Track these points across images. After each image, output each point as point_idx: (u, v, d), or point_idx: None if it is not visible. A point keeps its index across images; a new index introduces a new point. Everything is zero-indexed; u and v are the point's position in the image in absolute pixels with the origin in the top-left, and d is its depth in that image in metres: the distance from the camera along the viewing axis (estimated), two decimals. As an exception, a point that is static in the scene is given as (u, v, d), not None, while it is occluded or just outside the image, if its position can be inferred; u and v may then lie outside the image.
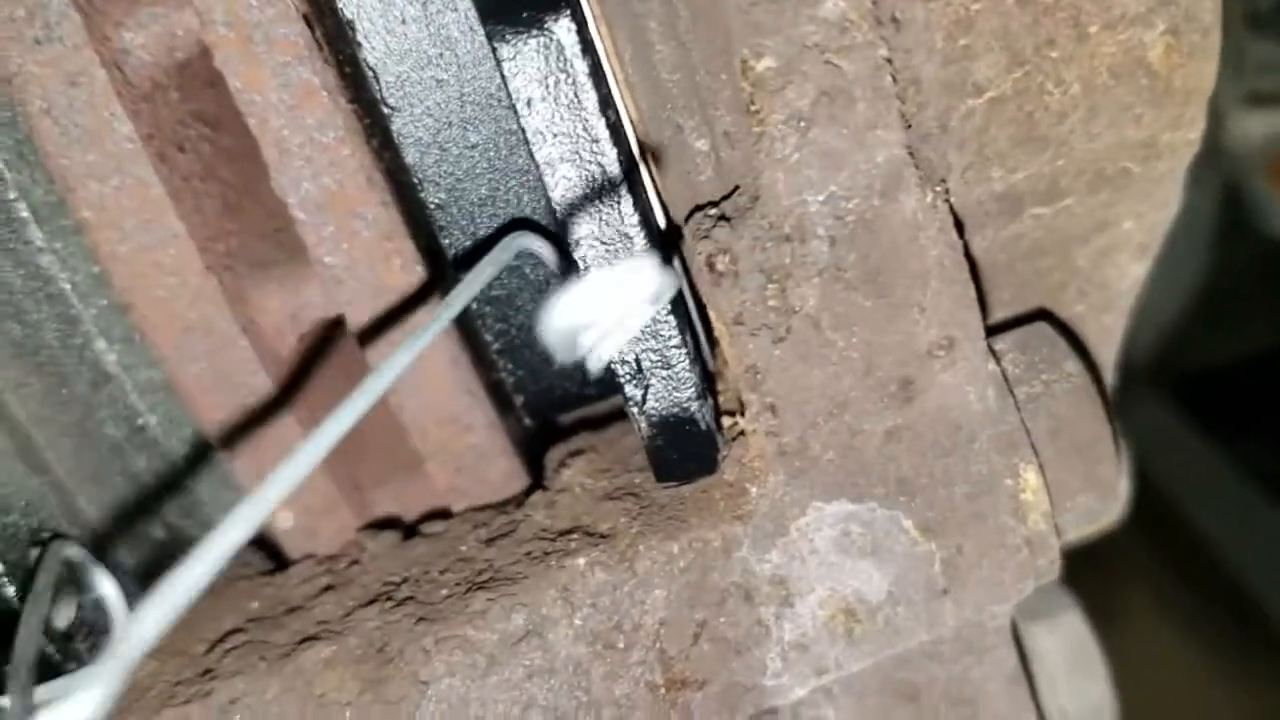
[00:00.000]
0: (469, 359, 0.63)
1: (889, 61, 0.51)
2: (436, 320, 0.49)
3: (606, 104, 0.53)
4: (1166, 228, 0.65)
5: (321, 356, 0.64)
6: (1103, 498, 0.60)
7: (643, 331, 0.55)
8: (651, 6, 0.52)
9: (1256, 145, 1.63)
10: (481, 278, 0.52)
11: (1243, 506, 1.84)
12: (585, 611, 0.55)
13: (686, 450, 0.58)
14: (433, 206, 0.62)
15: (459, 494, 0.65)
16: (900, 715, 0.60)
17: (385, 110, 0.60)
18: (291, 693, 0.55)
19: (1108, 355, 0.69)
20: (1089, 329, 0.68)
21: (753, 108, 0.51)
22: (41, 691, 0.54)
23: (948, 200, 0.53)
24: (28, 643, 0.49)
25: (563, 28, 0.52)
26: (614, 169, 0.53)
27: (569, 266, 0.55)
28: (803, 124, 0.51)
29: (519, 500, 0.64)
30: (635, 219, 0.54)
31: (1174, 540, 1.87)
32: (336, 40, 0.58)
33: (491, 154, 0.61)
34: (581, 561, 0.56)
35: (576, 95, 0.53)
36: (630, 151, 0.55)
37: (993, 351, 0.57)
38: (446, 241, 0.63)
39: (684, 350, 0.55)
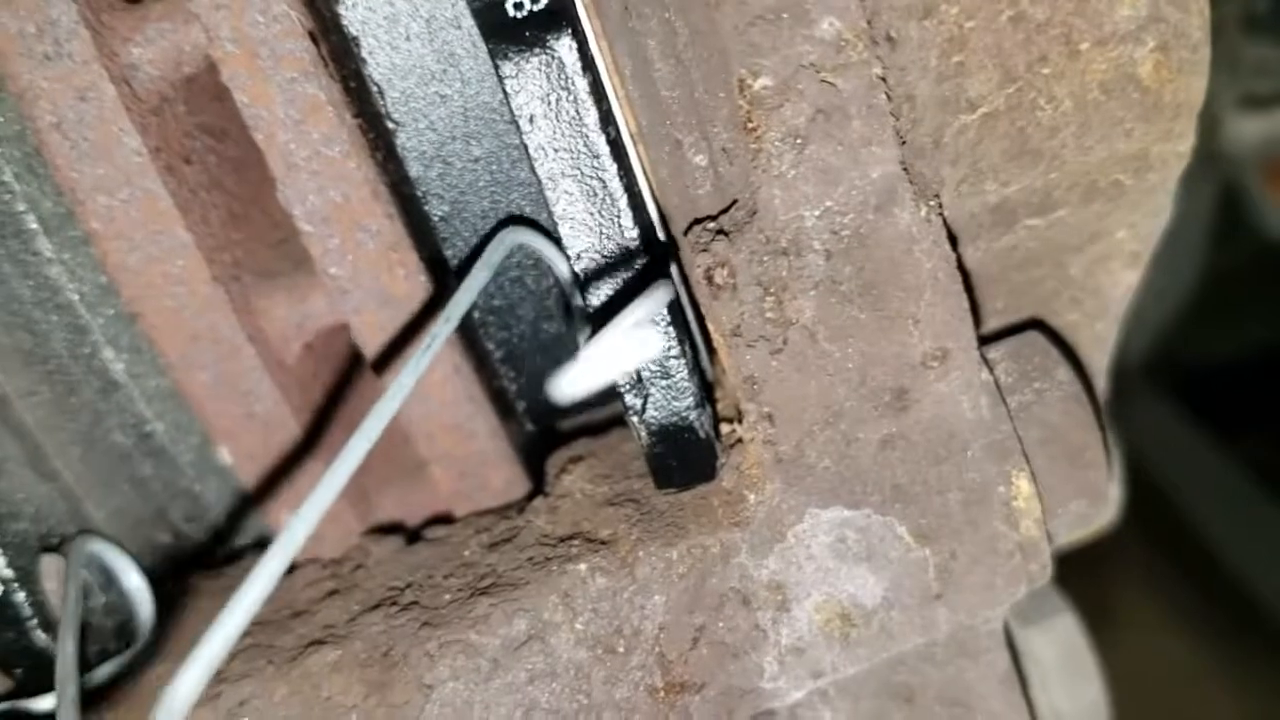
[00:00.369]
0: (471, 367, 0.64)
1: (884, 79, 0.52)
2: (440, 330, 0.50)
3: (607, 120, 0.54)
4: (1159, 236, 0.66)
5: (326, 365, 0.65)
6: (1094, 503, 0.61)
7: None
8: (651, 26, 0.53)
9: (1252, 147, 1.64)
10: (477, 281, 0.53)
11: (1241, 504, 1.84)
12: (586, 616, 0.57)
13: (685, 458, 0.59)
14: (436, 219, 0.63)
15: (462, 499, 0.66)
16: (895, 717, 0.61)
17: (390, 125, 0.61)
18: (299, 696, 0.56)
19: (1101, 362, 0.70)
20: (1082, 336, 0.69)
21: (750, 125, 0.52)
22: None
23: (941, 214, 0.54)
24: (68, 661, 0.50)
25: (564, 46, 0.53)
26: (614, 184, 0.55)
27: (564, 256, 0.56)
28: (799, 141, 0.52)
29: (521, 506, 0.65)
30: (635, 233, 0.55)
31: (1172, 537, 1.87)
32: (341, 56, 0.59)
33: (494, 168, 0.62)
34: (583, 567, 0.57)
35: (578, 112, 0.54)
36: (630, 167, 0.56)
37: (986, 360, 0.58)
38: (449, 252, 0.64)
39: (682, 360, 0.57)
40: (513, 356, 0.67)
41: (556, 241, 0.57)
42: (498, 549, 0.61)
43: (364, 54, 0.59)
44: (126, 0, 0.58)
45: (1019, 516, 0.58)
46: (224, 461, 0.65)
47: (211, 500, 0.67)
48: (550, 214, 0.55)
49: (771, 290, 0.54)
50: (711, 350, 0.61)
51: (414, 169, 0.62)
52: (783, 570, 0.57)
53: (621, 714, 0.57)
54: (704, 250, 0.54)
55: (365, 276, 0.60)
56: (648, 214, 0.57)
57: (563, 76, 0.53)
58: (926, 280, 0.54)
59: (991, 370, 0.59)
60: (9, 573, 0.56)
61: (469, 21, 0.59)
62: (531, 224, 0.60)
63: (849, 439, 0.56)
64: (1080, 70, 0.56)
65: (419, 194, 0.62)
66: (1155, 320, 1.78)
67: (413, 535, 0.66)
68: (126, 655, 0.60)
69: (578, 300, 0.57)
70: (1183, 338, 1.86)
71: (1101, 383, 0.69)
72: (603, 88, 0.55)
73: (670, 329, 0.56)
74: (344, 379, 0.66)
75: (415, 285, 0.60)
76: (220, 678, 0.58)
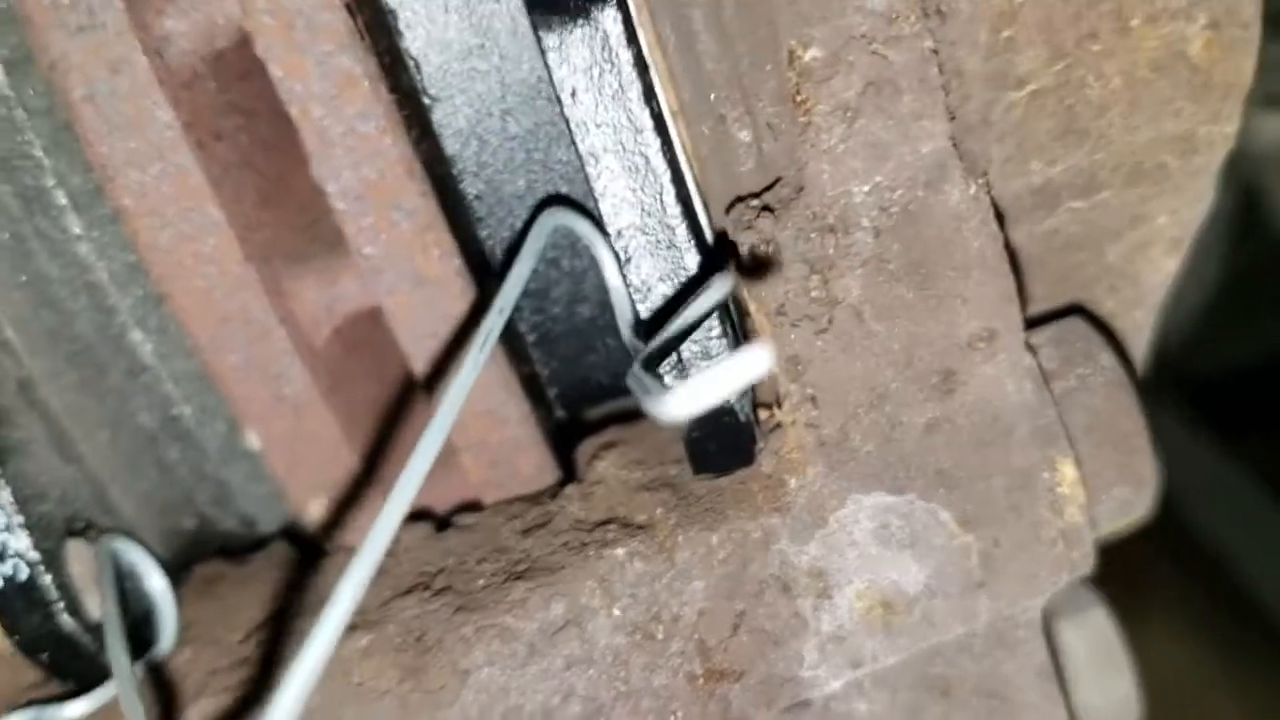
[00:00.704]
0: (505, 352, 0.63)
1: (935, 53, 0.51)
2: (495, 323, 0.50)
3: (650, 95, 0.53)
4: (1200, 223, 0.66)
5: (357, 350, 0.64)
6: (1138, 490, 0.60)
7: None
8: (696, -4, 0.52)
9: (1274, 146, 1.63)
10: (525, 269, 0.52)
11: (1247, 508, 1.83)
12: (624, 602, 0.55)
13: (724, 442, 0.58)
14: (471, 197, 0.62)
15: (491, 487, 0.65)
16: (931, 709, 0.60)
17: (426, 100, 0.60)
18: (330, 681, 0.55)
19: (1137, 351, 0.69)
20: (1120, 325, 0.68)
21: (798, 98, 0.51)
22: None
23: (989, 192, 0.53)
24: (119, 650, 0.49)
25: (608, 17, 0.52)
26: (658, 160, 0.53)
27: (604, 236, 0.55)
28: (849, 114, 0.51)
29: (553, 492, 0.64)
30: (678, 210, 0.54)
31: (1177, 542, 1.86)
32: (377, 30, 0.58)
33: (531, 146, 0.61)
34: (620, 552, 0.56)
35: (621, 85, 0.53)
36: (673, 143, 0.55)
37: (1028, 345, 0.57)
38: (484, 233, 0.63)
39: (724, 341, 0.55)
40: (545, 340, 0.66)
41: (597, 222, 0.56)
42: (532, 534, 0.60)
43: (401, 27, 0.58)
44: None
45: (1063, 503, 0.57)
46: (252, 446, 0.64)
47: (238, 486, 0.66)
48: (590, 191, 0.54)
49: (818, 268, 0.53)
50: (747, 331, 0.60)
51: (450, 146, 0.61)
52: (824, 557, 0.56)
53: (660, 702, 0.55)
54: (748, 227, 0.53)
55: (399, 257, 0.58)
56: (689, 191, 0.56)
57: (606, 48, 0.52)
58: (975, 259, 0.53)
59: (1035, 355, 0.58)
60: (35, 555, 0.54)
61: (509, -7, 0.58)
62: (571, 204, 0.59)
63: (894, 422, 0.55)
64: (1130, 47, 0.55)
65: (454, 172, 0.61)
66: (1172, 323, 1.76)
67: (442, 523, 0.65)
68: (149, 655, 0.58)
69: (618, 283, 0.56)
70: (1198, 341, 1.85)
71: (1137, 372, 0.68)
72: (646, 61, 0.54)
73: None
74: (374, 365, 0.65)
75: (449, 267, 0.59)
76: (249, 663, 0.57)
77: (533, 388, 0.66)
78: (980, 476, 0.56)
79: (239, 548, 0.67)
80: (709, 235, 0.57)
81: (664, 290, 0.55)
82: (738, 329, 0.58)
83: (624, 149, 0.53)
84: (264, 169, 0.62)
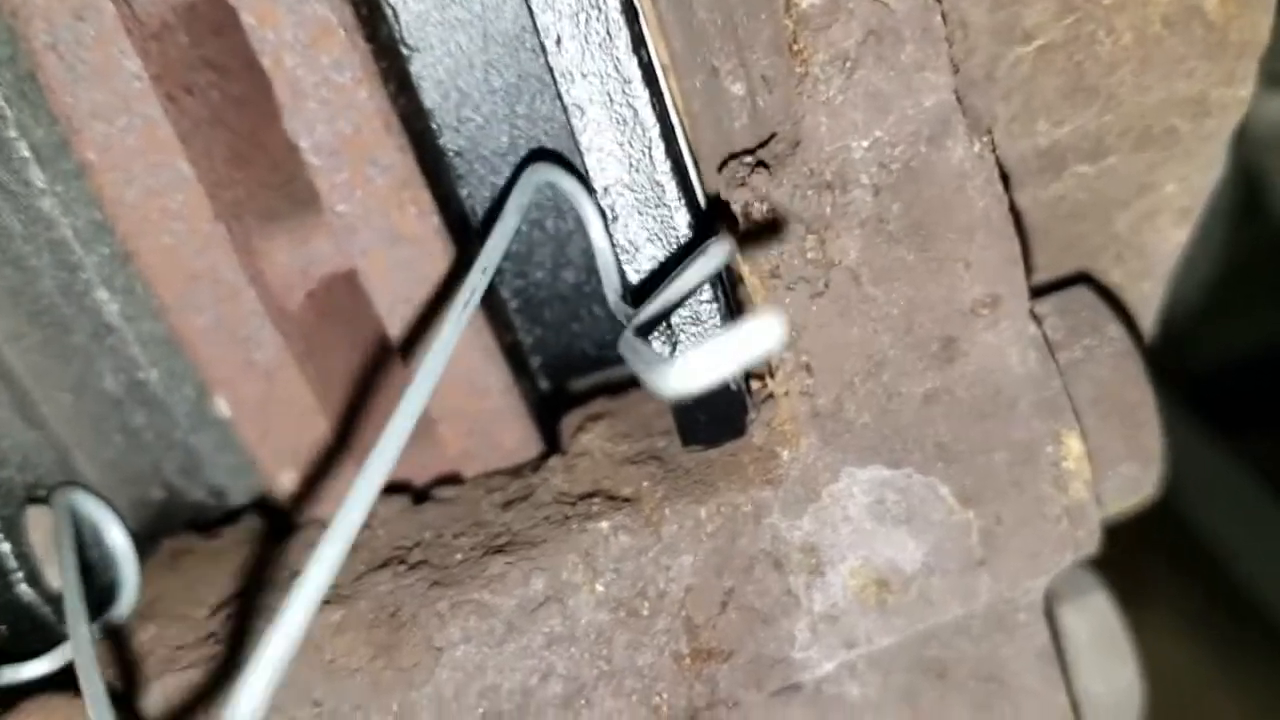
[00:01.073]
0: (486, 319, 0.60)
1: (938, 1, 0.48)
2: (479, 282, 0.47)
3: (640, 43, 0.51)
4: (1209, 192, 0.63)
5: (330, 314, 0.62)
6: (1146, 466, 0.58)
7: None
8: (689, -60, 0.50)
9: (1275, 128, 1.60)
10: (509, 226, 0.50)
11: (1253, 507, 1.81)
12: (608, 577, 0.53)
13: (715, 412, 0.55)
14: (451, 153, 0.59)
15: (470, 459, 0.63)
16: (927, 693, 0.58)
17: (404, 50, 0.57)
18: (300, 657, 0.52)
19: (1144, 324, 0.67)
20: (1126, 297, 0.66)
21: (795, 47, 0.48)
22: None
23: (994, 151, 0.51)
24: (78, 614, 0.47)
25: (596, -40, 0.49)
26: (646, 112, 0.51)
27: (592, 195, 0.52)
28: (848, 65, 0.48)
29: (535, 465, 0.61)
30: (668, 166, 0.52)
31: (1181, 541, 1.84)
32: (354, -25, 0.55)
33: (514, 99, 0.58)
34: (604, 525, 0.54)
35: (609, 33, 0.50)
36: (662, 95, 0.52)
37: (1032, 314, 0.55)
38: (465, 191, 0.60)
39: (715, 305, 0.53)
40: (529, 307, 0.64)
41: (582, 178, 0.53)
42: (512, 507, 0.58)
43: (378, -28, 0.56)
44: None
45: (1068, 478, 0.55)
46: (221, 413, 0.61)
47: (207, 455, 0.64)
48: (575, 145, 0.52)
49: (814, 228, 0.50)
50: (737, 294, 0.57)
51: (429, 99, 0.58)
52: (817, 532, 0.54)
53: (644, 682, 0.53)
54: (741, 184, 0.51)
55: (374, 215, 0.56)
56: (679, 146, 0.53)
57: (593, -7, 0.50)
58: (979, 220, 0.51)
59: (1039, 324, 0.55)
60: (-8, 521, 0.52)
61: (491, -63, 0.56)
62: (556, 160, 0.57)
63: (891, 392, 0.53)
64: (1142, 2, 0.53)
65: (433, 126, 0.59)
66: (1168, 313, 1.73)
67: (419, 495, 0.62)
68: (108, 615, 0.56)
69: (604, 243, 0.53)
70: (1192, 331, 1.82)
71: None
72: (635, 8, 0.51)
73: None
74: (349, 329, 0.62)
75: (427, 225, 0.57)
76: (215, 638, 0.55)
77: (515, 357, 0.64)
78: (981, 450, 0.54)
79: (208, 520, 0.65)
80: (700, 194, 0.55)
81: (652, 251, 0.52)
82: (728, 293, 0.56)
83: (611, 100, 0.51)
84: (235, 126, 0.59)
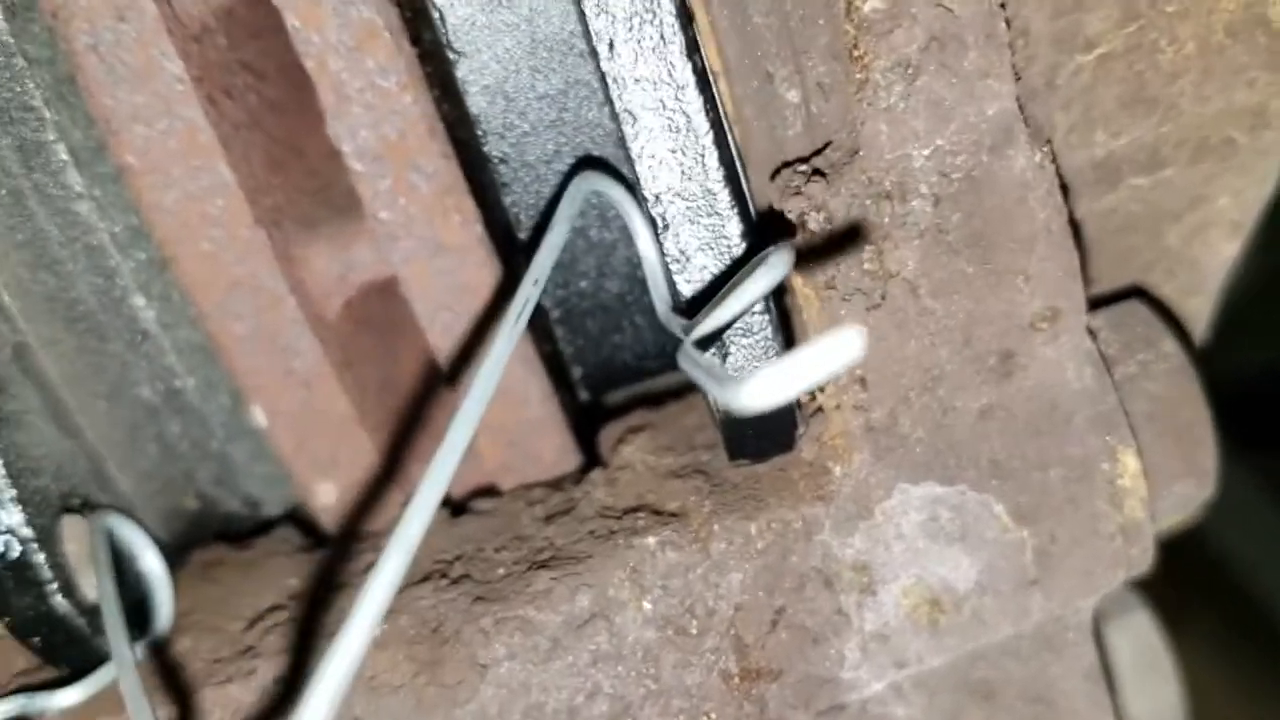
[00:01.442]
0: (526, 328, 0.59)
1: (1003, 7, 0.47)
2: (531, 294, 0.46)
3: (694, 49, 0.50)
4: (1262, 206, 0.62)
5: (372, 321, 0.60)
6: (1200, 484, 0.57)
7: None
8: (746, -56, 0.48)
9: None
10: (559, 237, 0.49)
11: (1273, 524, 1.79)
12: (656, 594, 0.52)
13: (763, 426, 0.54)
14: (495, 160, 0.58)
15: (508, 471, 0.62)
16: (973, 714, 0.56)
17: (450, 55, 0.56)
18: (339, 674, 0.51)
19: (1193, 339, 0.66)
20: (1176, 312, 0.64)
21: (855, 52, 0.47)
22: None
23: (1054, 161, 0.50)
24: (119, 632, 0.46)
25: (651, -37, 0.48)
26: (699, 119, 0.50)
27: (641, 204, 0.51)
28: (910, 71, 0.47)
29: (576, 478, 0.60)
30: (720, 174, 0.50)
31: (1197, 557, 1.82)
32: (400, -22, 0.54)
33: (560, 105, 0.57)
34: (651, 541, 0.52)
35: (662, 38, 0.49)
36: (715, 101, 0.51)
37: (1088, 329, 0.54)
38: (509, 199, 0.59)
39: (767, 317, 0.52)
40: (570, 317, 0.63)
41: (629, 187, 0.52)
42: (554, 521, 0.56)
43: (425, -24, 0.55)
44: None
45: (1123, 496, 0.53)
46: (257, 423, 0.60)
47: (242, 465, 0.63)
48: (626, 152, 0.51)
49: (872, 239, 0.49)
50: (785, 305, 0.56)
51: (474, 104, 0.57)
52: (869, 550, 0.53)
53: (692, 701, 0.52)
54: (797, 193, 0.49)
55: (417, 222, 0.55)
56: (731, 153, 0.52)
57: (648, -2, 0.49)
58: (1040, 232, 0.49)
59: (1094, 339, 0.54)
60: (28, 531, 0.51)
61: (541, -60, 0.55)
62: (604, 168, 0.56)
63: (946, 407, 0.52)
64: (1206, 9, 0.52)
65: (478, 133, 0.57)
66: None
67: (457, 508, 0.61)
68: (144, 640, 0.55)
69: (653, 254, 0.52)
70: (1217, 345, 1.80)
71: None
72: (689, 12, 0.50)
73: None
74: (389, 339, 0.61)
75: (470, 234, 0.55)
76: (254, 652, 0.54)
77: (555, 367, 0.63)
78: (1036, 467, 0.53)
79: (241, 531, 0.64)
80: (751, 203, 0.54)
81: (703, 261, 0.51)
82: (778, 304, 0.55)
83: (664, 107, 0.50)
84: (272, 131, 0.58)
